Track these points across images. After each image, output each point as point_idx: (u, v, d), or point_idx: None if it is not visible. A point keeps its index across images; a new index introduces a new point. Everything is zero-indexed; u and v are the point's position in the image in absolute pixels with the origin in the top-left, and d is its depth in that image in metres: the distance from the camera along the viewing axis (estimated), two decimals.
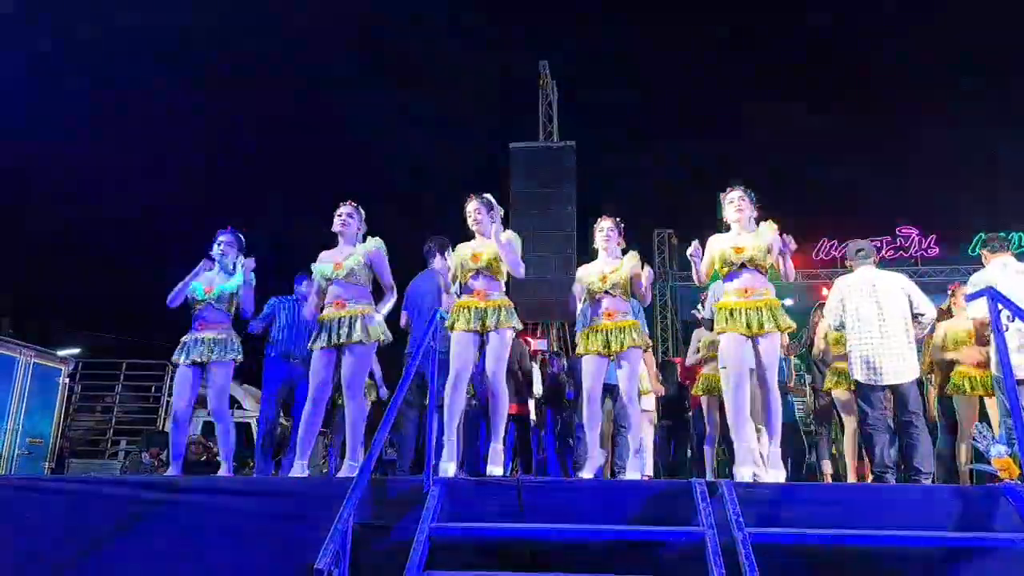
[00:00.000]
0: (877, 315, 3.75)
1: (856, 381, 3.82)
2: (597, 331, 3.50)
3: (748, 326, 3.23)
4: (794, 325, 3.37)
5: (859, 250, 4.02)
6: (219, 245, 3.82)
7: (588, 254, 3.86)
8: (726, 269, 3.37)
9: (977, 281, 3.77)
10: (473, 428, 4.23)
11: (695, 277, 3.47)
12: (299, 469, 3.37)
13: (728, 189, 3.49)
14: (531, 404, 5.20)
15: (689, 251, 3.41)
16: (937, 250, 13.25)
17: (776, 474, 3.21)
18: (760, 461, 3.33)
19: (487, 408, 3.44)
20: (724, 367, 3.36)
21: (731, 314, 3.29)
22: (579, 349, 3.59)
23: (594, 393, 3.48)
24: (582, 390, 3.65)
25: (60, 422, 7.58)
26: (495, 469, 3.29)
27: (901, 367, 3.67)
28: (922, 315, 3.77)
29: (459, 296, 3.48)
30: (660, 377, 5.42)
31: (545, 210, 11.39)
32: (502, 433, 3.39)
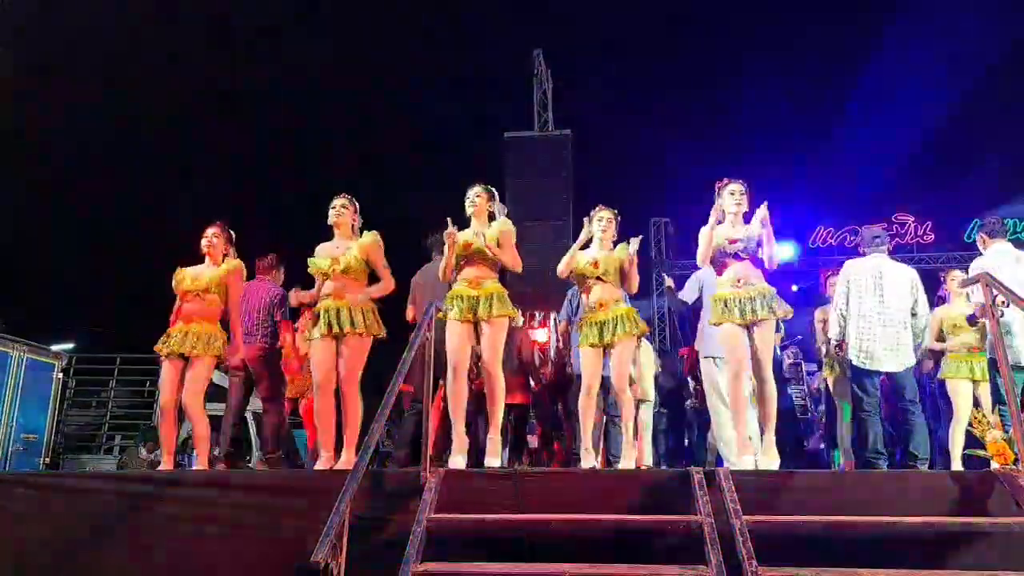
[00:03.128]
0: (879, 303, 3.78)
1: (852, 365, 3.84)
2: (592, 323, 3.48)
3: (742, 315, 3.27)
4: (791, 310, 3.38)
5: (875, 237, 4.02)
6: (206, 239, 3.74)
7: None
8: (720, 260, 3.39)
9: (977, 268, 3.78)
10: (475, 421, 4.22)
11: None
12: (325, 462, 3.29)
13: (726, 180, 3.50)
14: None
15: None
16: (933, 237, 13.31)
17: (769, 461, 3.23)
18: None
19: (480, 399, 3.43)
20: (722, 358, 3.38)
21: (726, 304, 3.33)
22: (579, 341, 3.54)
23: (591, 385, 3.45)
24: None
25: (55, 418, 7.55)
26: (492, 460, 3.29)
27: (896, 355, 3.70)
28: (915, 314, 3.82)
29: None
30: (660, 365, 5.43)
31: (541, 200, 11.34)
32: (499, 423, 3.39)
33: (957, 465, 4.11)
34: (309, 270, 3.52)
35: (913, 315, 3.82)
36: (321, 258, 3.47)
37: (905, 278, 3.85)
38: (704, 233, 3.44)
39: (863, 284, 3.85)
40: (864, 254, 4.02)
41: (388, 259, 3.55)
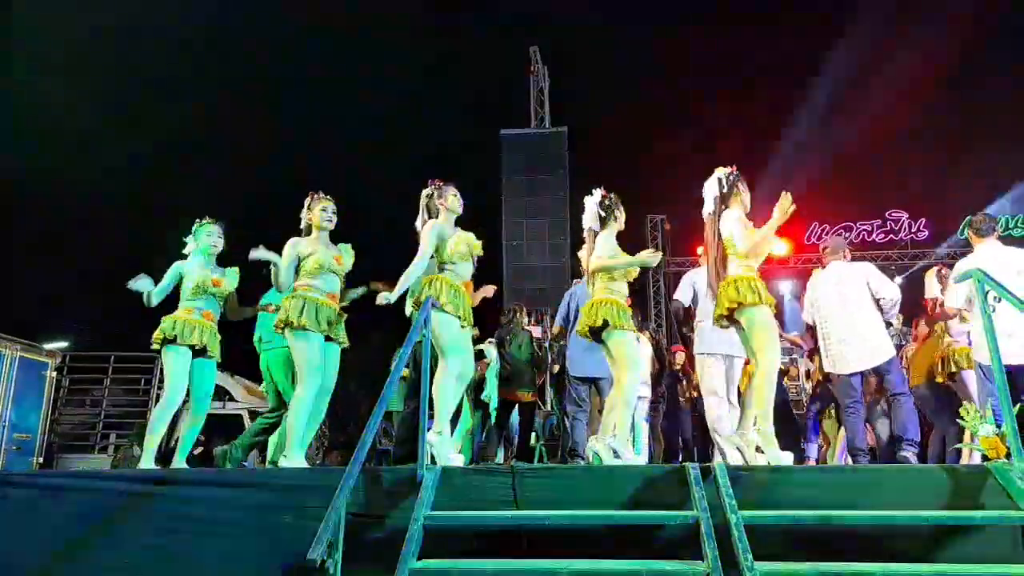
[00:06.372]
0: (840, 305, 3.84)
1: (828, 372, 3.91)
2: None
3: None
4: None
5: (833, 247, 4.14)
6: (209, 236, 3.74)
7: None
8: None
9: (963, 267, 3.77)
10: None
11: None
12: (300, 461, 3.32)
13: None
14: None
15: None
16: (927, 233, 13.41)
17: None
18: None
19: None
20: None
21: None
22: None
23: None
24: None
25: (48, 417, 7.50)
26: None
27: (868, 351, 3.72)
28: (881, 298, 3.81)
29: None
30: (656, 362, 5.45)
31: (537, 197, 11.34)
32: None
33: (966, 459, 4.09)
34: (310, 261, 3.40)
35: (879, 302, 3.81)
36: (325, 254, 3.44)
37: (859, 275, 3.90)
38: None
39: (824, 291, 3.95)
40: (824, 265, 4.11)
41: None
